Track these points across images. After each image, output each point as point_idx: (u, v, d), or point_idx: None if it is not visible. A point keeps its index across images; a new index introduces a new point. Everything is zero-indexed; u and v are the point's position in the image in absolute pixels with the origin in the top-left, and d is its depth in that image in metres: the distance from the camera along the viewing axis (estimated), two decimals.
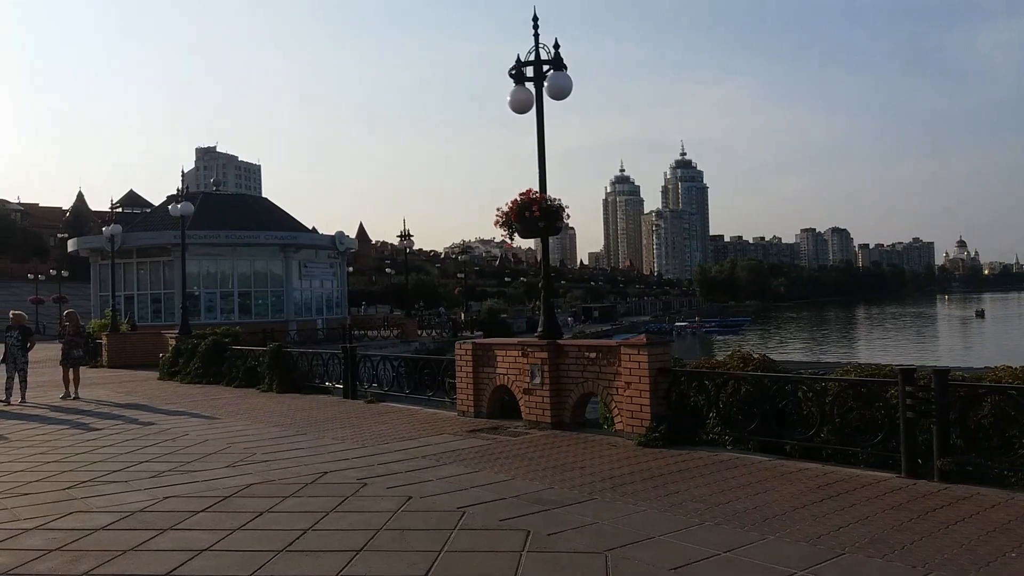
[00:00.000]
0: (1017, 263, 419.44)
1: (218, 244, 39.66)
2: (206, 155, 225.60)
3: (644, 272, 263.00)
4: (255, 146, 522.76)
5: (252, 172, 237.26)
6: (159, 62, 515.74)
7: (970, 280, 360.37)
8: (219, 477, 7.88)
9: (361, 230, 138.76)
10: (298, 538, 5.67)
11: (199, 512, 6.50)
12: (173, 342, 21.66)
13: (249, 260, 41.15)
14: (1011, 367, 7.08)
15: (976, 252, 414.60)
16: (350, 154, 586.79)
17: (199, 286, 39.29)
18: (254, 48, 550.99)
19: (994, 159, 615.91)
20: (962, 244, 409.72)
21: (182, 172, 27.87)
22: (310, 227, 52.48)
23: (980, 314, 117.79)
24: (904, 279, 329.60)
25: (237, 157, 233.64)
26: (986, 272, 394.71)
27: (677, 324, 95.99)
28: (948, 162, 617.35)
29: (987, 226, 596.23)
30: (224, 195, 56.09)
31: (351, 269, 60.47)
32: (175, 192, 26.14)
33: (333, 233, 45.98)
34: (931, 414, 6.81)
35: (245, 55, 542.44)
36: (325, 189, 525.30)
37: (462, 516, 6.13)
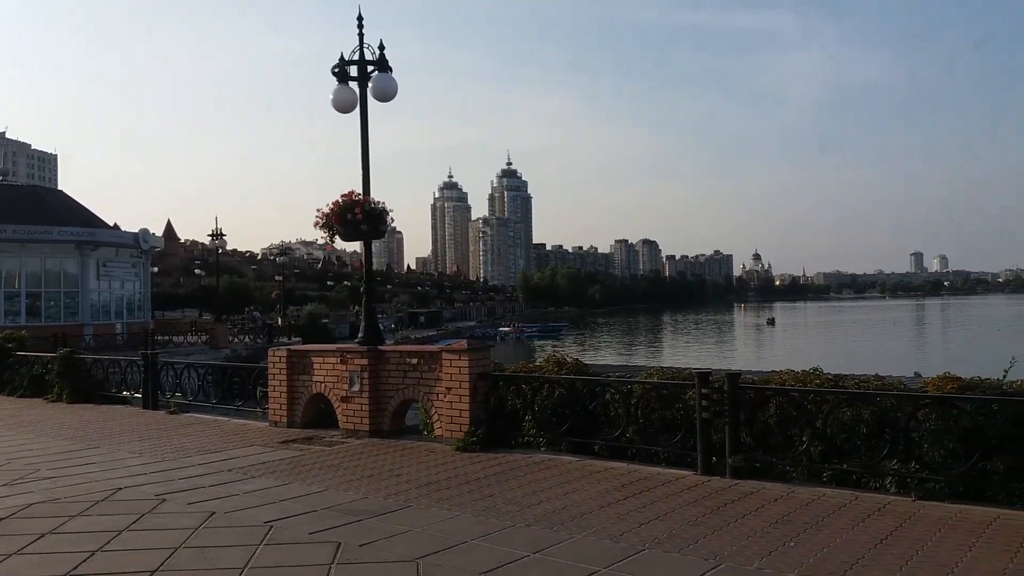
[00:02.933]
0: (804, 275, 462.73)
1: (3, 239, 36.22)
2: None
3: (471, 278, 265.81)
4: (52, 135, 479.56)
5: (47, 162, 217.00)
6: None
7: (764, 290, 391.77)
8: None
9: (169, 227, 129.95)
10: (85, 560, 5.22)
11: None
12: None
13: (40, 258, 37.86)
14: (794, 371, 7.74)
15: (769, 264, 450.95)
16: (161, 148, 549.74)
17: None
18: (56, 28, 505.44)
19: (785, 178, 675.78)
20: (757, 257, 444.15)
21: None
22: (112, 224, 48.86)
23: (771, 322, 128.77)
24: (706, 288, 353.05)
25: (30, 145, 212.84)
26: (777, 283, 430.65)
27: (500, 329, 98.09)
28: (748, 181, 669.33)
29: (779, 241, 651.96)
30: (12, 186, 50.81)
31: (156, 269, 56.75)
32: None
33: (136, 230, 43.05)
34: (724, 415, 7.33)
35: (45, 35, 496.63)
36: (132, 184, 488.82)
37: (269, 531, 5.88)
